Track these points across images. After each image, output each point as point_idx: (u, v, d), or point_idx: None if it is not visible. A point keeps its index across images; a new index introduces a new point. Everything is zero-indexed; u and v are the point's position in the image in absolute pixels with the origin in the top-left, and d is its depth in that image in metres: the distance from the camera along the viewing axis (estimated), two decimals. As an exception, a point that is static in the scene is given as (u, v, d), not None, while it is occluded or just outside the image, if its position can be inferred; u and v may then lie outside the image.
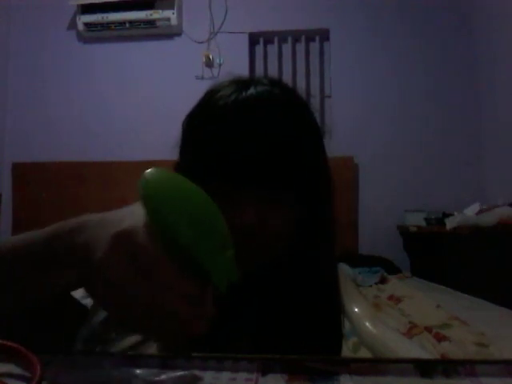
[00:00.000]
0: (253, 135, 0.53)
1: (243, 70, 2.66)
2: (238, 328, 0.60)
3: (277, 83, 0.59)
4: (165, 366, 0.38)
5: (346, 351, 1.38)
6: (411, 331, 1.47)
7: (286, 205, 0.57)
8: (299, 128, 0.57)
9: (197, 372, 0.37)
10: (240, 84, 0.57)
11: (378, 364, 0.38)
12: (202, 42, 2.78)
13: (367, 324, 1.25)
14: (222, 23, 2.77)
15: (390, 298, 1.91)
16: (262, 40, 2.90)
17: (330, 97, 2.84)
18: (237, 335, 0.59)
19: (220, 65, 2.69)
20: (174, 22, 2.82)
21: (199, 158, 0.57)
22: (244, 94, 0.56)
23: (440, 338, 1.29)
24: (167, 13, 2.81)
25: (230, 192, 0.55)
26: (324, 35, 2.85)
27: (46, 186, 2.86)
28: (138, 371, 0.37)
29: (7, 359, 0.36)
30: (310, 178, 0.58)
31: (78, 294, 0.44)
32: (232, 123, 0.54)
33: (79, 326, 0.51)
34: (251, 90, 0.56)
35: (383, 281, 2.22)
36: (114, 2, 2.82)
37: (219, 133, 0.55)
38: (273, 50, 2.91)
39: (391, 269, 2.38)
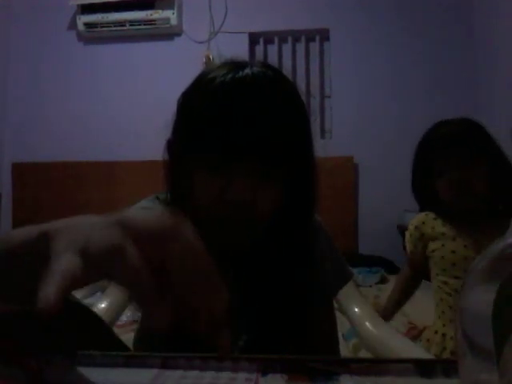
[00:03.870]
0: (249, 111, 0.56)
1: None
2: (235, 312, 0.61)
3: (268, 66, 0.63)
4: (165, 366, 0.38)
5: (346, 352, 1.38)
6: (411, 331, 1.47)
7: (276, 182, 0.59)
8: (291, 108, 0.60)
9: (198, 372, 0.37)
10: (234, 65, 0.60)
11: (378, 364, 0.38)
12: (202, 42, 2.78)
13: (367, 324, 1.25)
14: (222, 23, 2.77)
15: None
16: (262, 40, 2.90)
17: (329, 97, 2.84)
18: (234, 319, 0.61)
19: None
20: (173, 22, 2.82)
21: (195, 132, 0.58)
22: (241, 73, 0.58)
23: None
24: (167, 13, 2.81)
25: (223, 166, 0.57)
26: (324, 35, 2.85)
27: (46, 186, 2.86)
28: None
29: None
30: (299, 157, 0.61)
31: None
32: (229, 100, 0.56)
33: (79, 325, 0.51)
34: (247, 70, 0.58)
35: (383, 281, 2.22)
36: (113, 2, 2.82)
37: (217, 108, 0.56)
38: (273, 49, 2.90)
39: (391, 269, 2.38)
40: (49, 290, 0.25)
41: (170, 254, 0.28)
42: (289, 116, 0.59)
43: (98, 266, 0.27)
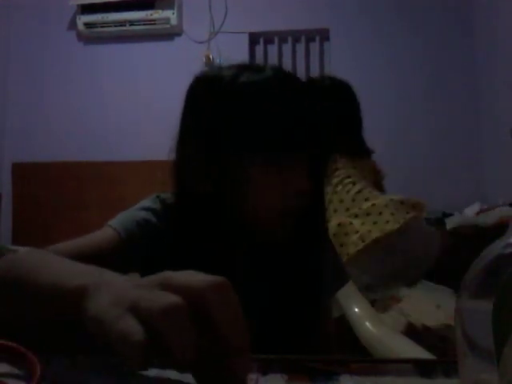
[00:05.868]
0: (301, 108, 0.61)
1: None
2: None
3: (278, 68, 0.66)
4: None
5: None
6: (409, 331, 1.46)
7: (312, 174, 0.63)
8: (319, 104, 0.65)
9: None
10: (252, 68, 0.64)
11: (378, 364, 0.38)
12: (202, 42, 2.78)
13: (367, 324, 1.25)
14: (222, 23, 2.77)
15: (390, 298, 1.91)
16: (262, 40, 2.90)
17: (330, 97, 2.84)
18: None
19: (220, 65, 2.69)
20: (173, 22, 2.82)
21: (255, 129, 0.60)
22: (281, 74, 0.63)
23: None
24: (167, 13, 2.81)
25: (282, 160, 0.60)
26: (324, 35, 2.85)
27: (46, 186, 2.86)
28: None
29: (7, 359, 0.36)
30: (327, 152, 0.66)
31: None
32: (283, 97, 0.61)
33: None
34: (268, 72, 0.63)
35: (383, 281, 2.22)
36: (113, 2, 2.82)
37: (274, 106, 0.60)
38: (273, 49, 2.90)
39: (391, 269, 2.38)
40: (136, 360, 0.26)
41: (210, 306, 0.29)
42: (322, 112, 0.64)
43: (151, 325, 0.27)
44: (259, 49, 2.91)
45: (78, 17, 2.89)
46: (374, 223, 1.31)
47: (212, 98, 0.64)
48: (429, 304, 1.63)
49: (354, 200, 1.42)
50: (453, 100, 2.67)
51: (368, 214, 1.35)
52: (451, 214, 2.16)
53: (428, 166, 2.64)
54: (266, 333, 0.60)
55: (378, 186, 1.56)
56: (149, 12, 2.81)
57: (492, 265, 0.28)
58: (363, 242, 1.28)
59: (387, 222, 1.31)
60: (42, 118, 2.95)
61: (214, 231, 0.63)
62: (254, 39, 2.90)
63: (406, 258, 1.33)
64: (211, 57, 2.69)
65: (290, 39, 2.88)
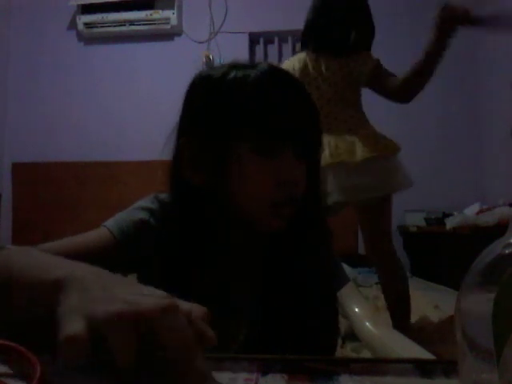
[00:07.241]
0: (296, 99, 0.62)
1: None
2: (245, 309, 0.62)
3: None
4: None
5: (346, 352, 1.38)
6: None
7: (305, 166, 0.63)
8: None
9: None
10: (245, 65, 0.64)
11: (378, 364, 0.38)
12: (202, 42, 2.78)
13: (367, 324, 1.25)
14: (222, 23, 2.77)
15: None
16: (262, 40, 2.90)
17: (329, 97, 2.84)
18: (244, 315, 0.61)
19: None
20: (173, 22, 2.82)
21: (251, 120, 0.60)
22: (273, 69, 0.63)
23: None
24: (167, 13, 2.81)
25: (276, 150, 0.60)
26: (324, 35, 2.85)
27: (46, 185, 2.86)
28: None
29: (7, 359, 0.36)
30: (319, 145, 0.66)
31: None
32: (280, 89, 0.61)
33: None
34: (263, 66, 0.63)
35: (383, 281, 2.22)
36: (113, 2, 2.82)
37: (274, 97, 0.60)
38: (273, 49, 2.90)
39: (391, 269, 2.38)
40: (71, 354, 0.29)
41: (161, 330, 0.31)
42: (314, 105, 0.64)
43: (99, 332, 0.30)
44: (259, 49, 2.91)
45: (77, 17, 2.89)
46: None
47: (205, 92, 0.64)
48: (427, 304, 1.64)
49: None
50: (453, 100, 2.67)
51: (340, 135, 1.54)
52: (451, 214, 2.16)
53: (428, 166, 2.64)
54: (262, 330, 0.60)
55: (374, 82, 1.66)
56: (149, 12, 2.81)
57: (492, 265, 0.28)
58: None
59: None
60: (42, 118, 2.95)
61: (208, 226, 0.63)
62: (254, 39, 2.90)
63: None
64: (211, 57, 2.69)
65: (289, 39, 2.88)
